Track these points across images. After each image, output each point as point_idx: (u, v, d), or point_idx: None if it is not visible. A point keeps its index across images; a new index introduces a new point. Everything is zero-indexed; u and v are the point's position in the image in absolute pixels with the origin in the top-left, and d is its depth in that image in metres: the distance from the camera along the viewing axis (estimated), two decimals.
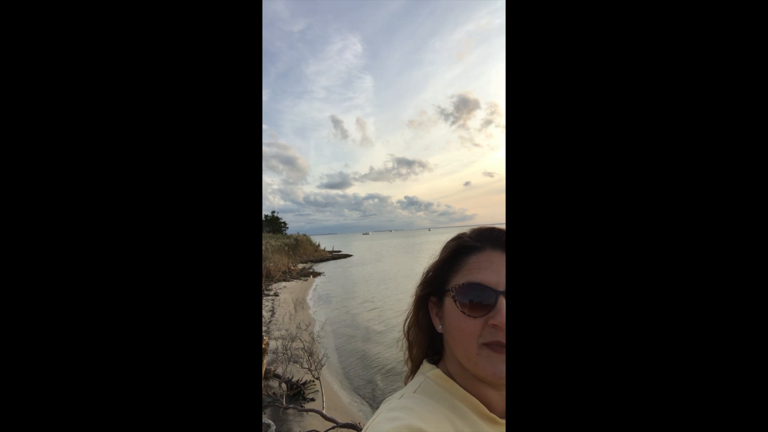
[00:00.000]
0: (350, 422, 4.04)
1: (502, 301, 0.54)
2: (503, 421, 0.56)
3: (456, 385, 0.58)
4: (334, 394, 5.32)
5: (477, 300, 0.56)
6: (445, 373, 0.61)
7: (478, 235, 0.64)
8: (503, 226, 0.60)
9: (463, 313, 0.56)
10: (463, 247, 0.62)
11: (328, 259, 31.72)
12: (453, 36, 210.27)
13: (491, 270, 0.58)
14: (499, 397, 0.59)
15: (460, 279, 0.59)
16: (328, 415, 4.22)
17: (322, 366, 5.38)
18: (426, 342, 0.67)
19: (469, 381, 0.58)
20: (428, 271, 0.66)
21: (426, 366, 0.63)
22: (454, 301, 0.58)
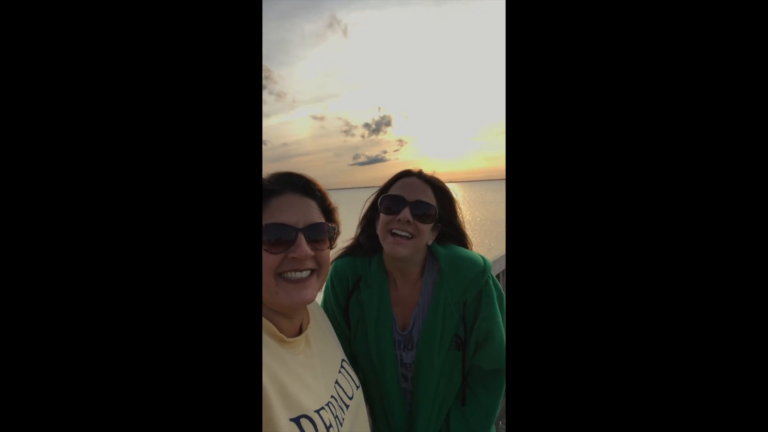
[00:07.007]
0: None
1: (301, 237, 0.66)
2: (290, 340, 0.69)
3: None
4: None
5: (280, 238, 0.65)
6: None
7: (278, 180, 0.71)
8: None
9: (266, 251, 0.64)
10: (265, 191, 0.69)
11: None
12: None
13: (291, 211, 0.67)
14: (289, 324, 0.70)
15: (263, 221, 0.66)
16: None
17: None
18: None
19: (263, 310, 0.68)
20: None
21: None
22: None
